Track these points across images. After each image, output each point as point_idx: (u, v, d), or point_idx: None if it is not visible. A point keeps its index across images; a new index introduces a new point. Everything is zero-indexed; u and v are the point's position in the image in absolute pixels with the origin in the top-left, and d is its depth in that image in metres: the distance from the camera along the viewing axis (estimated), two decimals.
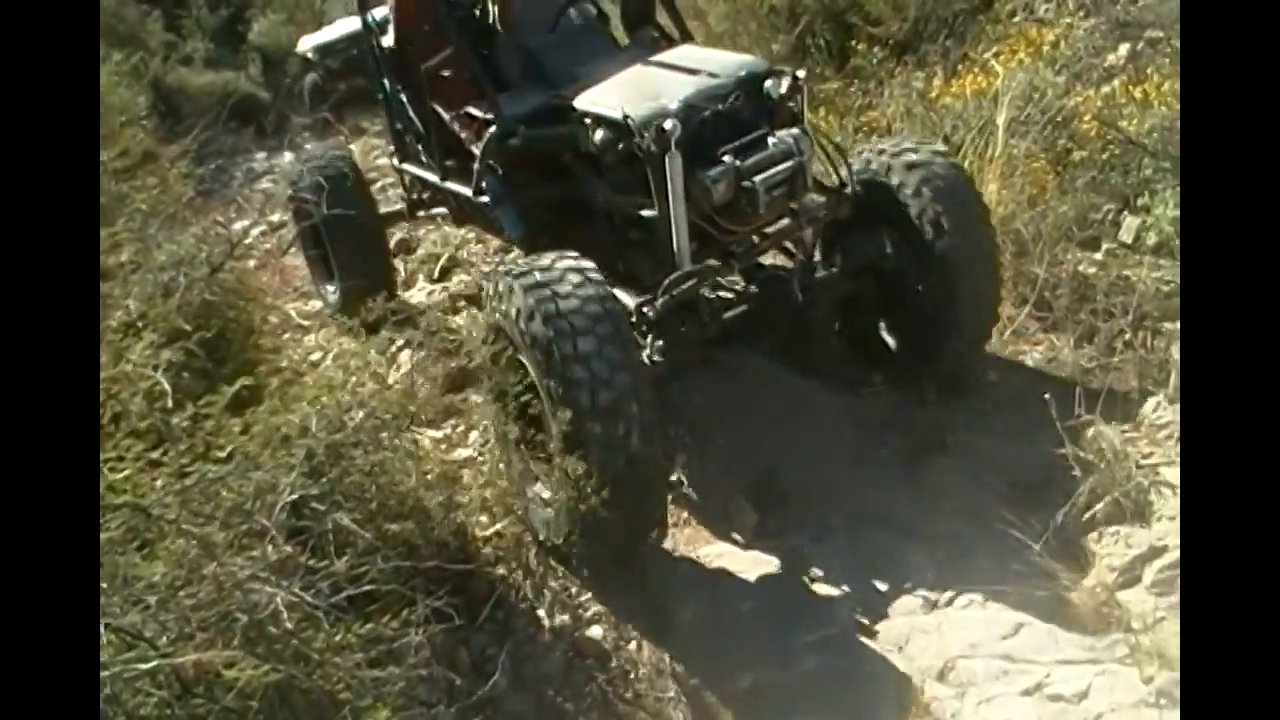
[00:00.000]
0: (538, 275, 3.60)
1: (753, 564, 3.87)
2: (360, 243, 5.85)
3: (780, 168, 3.92)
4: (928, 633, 3.47)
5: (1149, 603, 3.29)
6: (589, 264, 3.67)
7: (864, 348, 4.73)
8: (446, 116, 4.97)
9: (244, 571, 2.53)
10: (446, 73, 5.06)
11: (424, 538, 3.33)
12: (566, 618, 3.68)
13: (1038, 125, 5.39)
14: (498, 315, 3.70)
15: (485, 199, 4.71)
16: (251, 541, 2.72)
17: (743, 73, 4.11)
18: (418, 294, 6.55)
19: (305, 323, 6.33)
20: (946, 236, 4.12)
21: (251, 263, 6.70)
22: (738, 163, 3.88)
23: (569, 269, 3.62)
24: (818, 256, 4.44)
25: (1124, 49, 6.13)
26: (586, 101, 4.23)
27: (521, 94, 4.71)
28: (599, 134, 4.09)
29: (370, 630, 2.74)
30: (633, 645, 3.59)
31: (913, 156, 4.27)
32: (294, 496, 2.87)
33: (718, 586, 3.78)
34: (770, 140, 3.97)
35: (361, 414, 3.33)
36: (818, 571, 3.80)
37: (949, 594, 3.60)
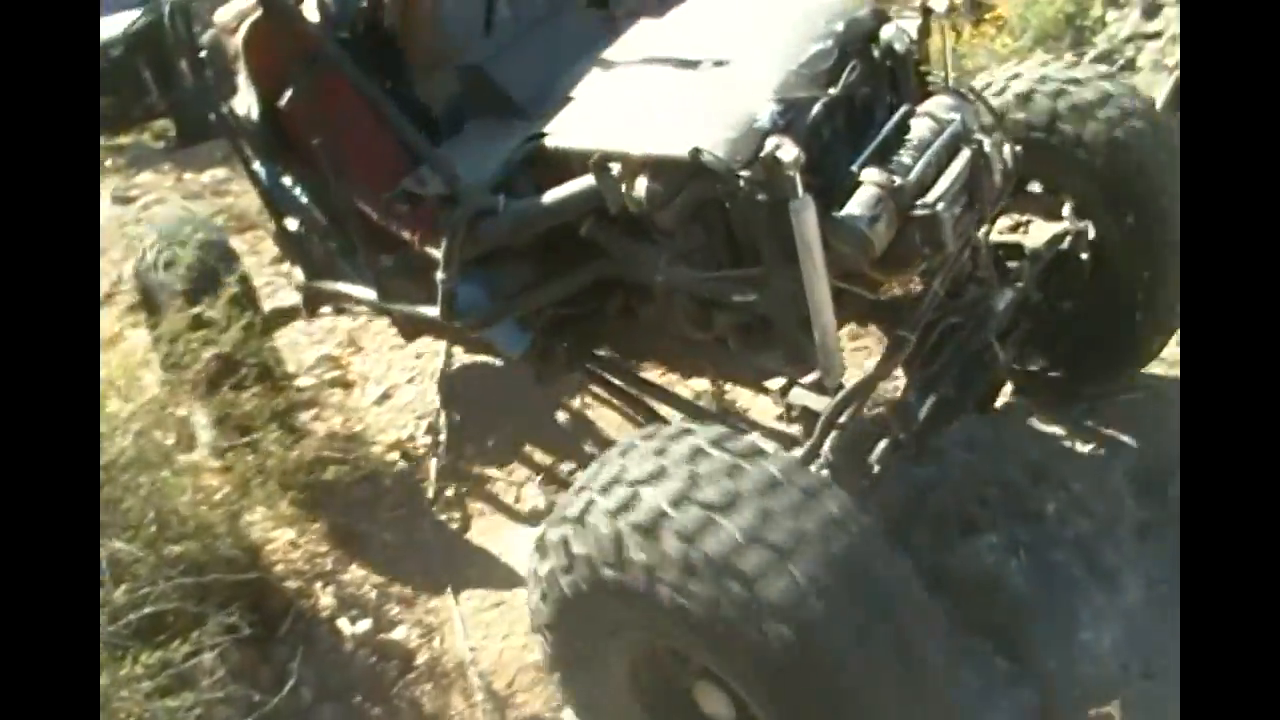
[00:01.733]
0: (675, 504, 2.07)
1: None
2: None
3: (957, 168, 2.60)
4: None
5: None
6: (761, 443, 2.24)
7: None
8: (371, 206, 3.29)
9: None
10: (354, 139, 3.37)
11: (210, 555, 3.24)
12: (368, 622, 3.64)
13: None
14: (602, 571, 2.18)
15: (466, 319, 3.18)
16: None
17: (839, 25, 2.75)
18: None
19: None
20: (1154, 210, 3.05)
21: None
22: (894, 179, 2.50)
23: (728, 466, 2.13)
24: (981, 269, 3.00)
25: None
26: (605, 138, 2.75)
27: (480, 142, 3.21)
28: (643, 184, 2.59)
29: (159, 657, 2.65)
30: (437, 642, 3.58)
31: (1083, 94, 3.07)
32: None
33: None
34: (921, 124, 2.66)
35: (128, 438, 3.19)
36: None
37: None
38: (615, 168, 2.63)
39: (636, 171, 2.62)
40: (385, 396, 4.86)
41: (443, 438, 4.51)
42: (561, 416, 4.47)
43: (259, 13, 3.39)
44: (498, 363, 4.61)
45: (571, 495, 2.30)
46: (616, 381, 3.51)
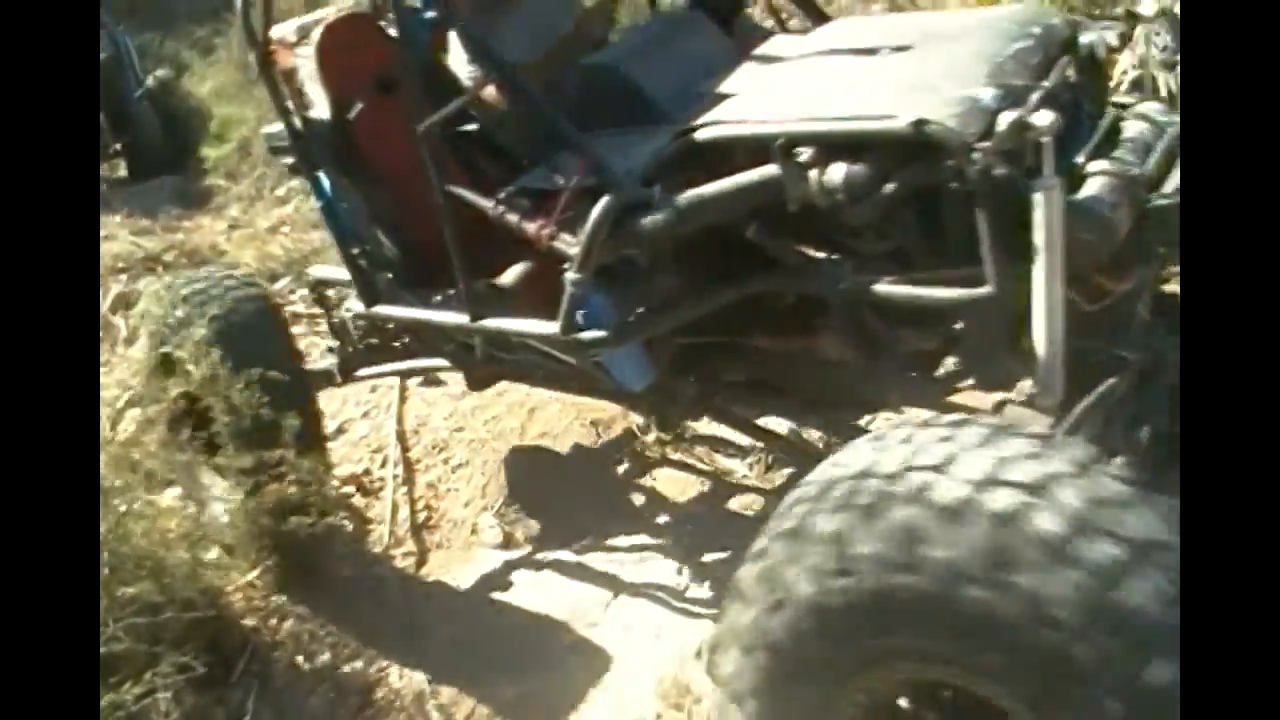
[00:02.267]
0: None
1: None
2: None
3: (1176, 174, 2.37)
4: (681, 617, 3.62)
5: None
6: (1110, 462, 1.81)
7: None
8: (486, 205, 2.92)
9: None
10: (464, 134, 3.27)
11: (166, 595, 3.22)
12: (326, 657, 3.63)
13: None
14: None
15: (590, 335, 2.79)
16: None
17: (1036, 28, 2.64)
18: None
19: None
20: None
21: None
22: (1132, 169, 2.29)
23: (1032, 449, 1.78)
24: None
25: None
26: (786, 122, 2.48)
27: (610, 146, 2.79)
28: (841, 170, 2.31)
29: (110, 700, 2.64)
30: (395, 676, 3.58)
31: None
32: None
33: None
34: (1136, 126, 2.48)
35: None
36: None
37: (698, 580, 3.76)
38: (805, 152, 2.36)
39: (833, 154, 2.34)
40: (340, 431, 4.85)
41: (398, 471, 4.51)
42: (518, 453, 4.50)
43: (330, 20, 3.51)
44: (458, 394, 4.63)
45: (795, 508, 1.94)
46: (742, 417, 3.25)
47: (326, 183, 3.49)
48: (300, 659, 3.63)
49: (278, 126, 3.57)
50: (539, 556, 3.98)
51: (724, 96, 2.78)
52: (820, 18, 3.36)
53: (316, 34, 3.43)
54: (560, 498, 4.23)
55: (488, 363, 3.42)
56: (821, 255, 2.58)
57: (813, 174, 2.35)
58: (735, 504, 3.81)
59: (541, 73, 3.15)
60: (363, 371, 4.05)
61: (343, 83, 3.42)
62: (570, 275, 2.70)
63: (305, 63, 3.43)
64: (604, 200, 2.61)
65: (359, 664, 3.62)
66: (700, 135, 2.63)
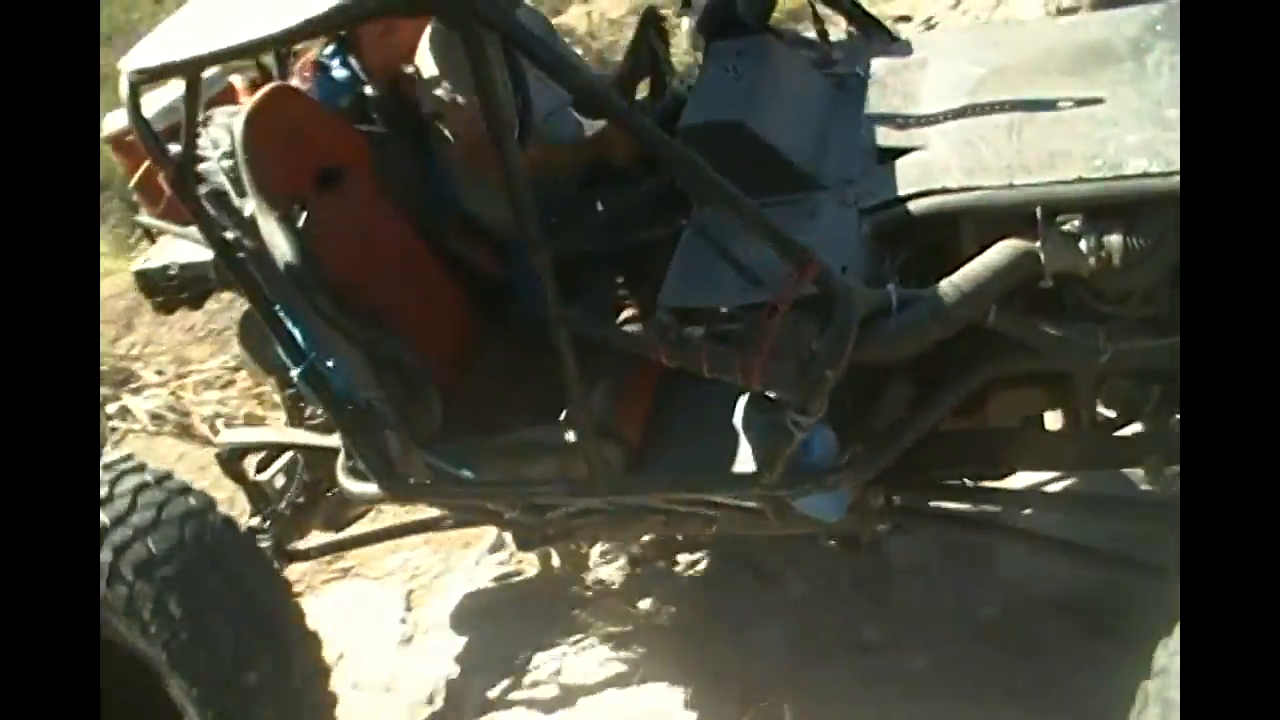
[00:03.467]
0: None
1: None
2: None
3: None
4: None
5: None
6: None
7: None
8: (642, 339, 2.39)
9: None
10: (397, 271, 2.82)
11: None
12: None
13: None
14: None
15: (820, 476, 2.37)
16: None
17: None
18: None
19: None
20: None
21: None
22: None
23: None
24: None
25: None
26: (1023, 177, 2.20)
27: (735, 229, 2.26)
28: (1115, 239, 2.09)
29: None
30: None
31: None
32: None
33: None
34: None
35: None
36: None
37: None
38: (1073, 219, 2.11)
39: (1100, 216, 2.11)
40: None
41: None
42: None
43: (253, 104, 2.67)
44: None
45: None
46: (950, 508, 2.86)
47: (298, 332, 2.61)
48: None
49: (162, 259, 2.98)
50: None
51: (888, 152, 2.44)
52: (878, 28, 3.05)
53: (237, 127, 2.63)
54: None
55: (574, 520, 2.83)
56: (1073, 326, 2.26)
57: (1083, 243, 2.11)
58: None
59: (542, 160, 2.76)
60: (309, 544, 3.42)
61: (286, 186, 2.67)
62: (793, 419, 2.21)
63: (216, 171, 2.73)
64: (840, 313, 2.12)
65: None
66: (915, 208, 2.27)
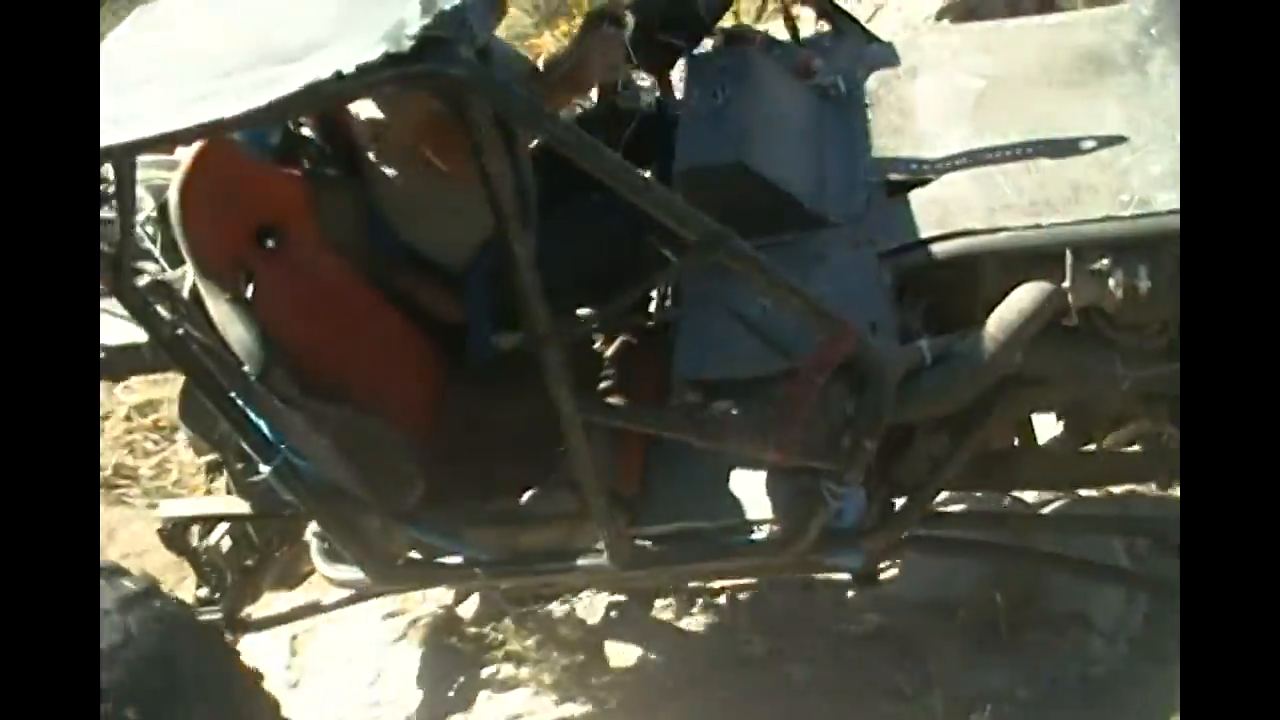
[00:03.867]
0: None
1: None
2: None
3: None
4: None
5: None
6: None
7: None
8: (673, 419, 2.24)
9: None
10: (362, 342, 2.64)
11: None
12: None
13: None
14: None
15: (858, 539, 2.37)
16: None
17: None
18: None
19: None
20: None
21: None
22: None
23: None
24: None
25: None
26: (1057, 216, 2.18)
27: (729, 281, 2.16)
28: (1142, 277, 2.10)
29: None
30: None
31: None
32: None
33: None
34: None
35: None
36: None
37: None
38: (1102, 260, 2.08)
39: (1135, 251, 2.07)
40: None
41: None
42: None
43: (188, 163, 2.37)
44: None
45: None
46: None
47: (262, 423, 2.36)
48: None
49: None
50: None
51: (897, 185, 2.35)
52: (852, 25, 2.92)
53: (172, 201, 2.35)
54: None
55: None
56: (1091, 356, 2.25)
57: (1111, 280, 2.09)
58: None
59: None
60: (261, 613, 3.21)
61: (227, 255, 2.41)
62: (831, 486, 2.15)
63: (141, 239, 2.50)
64: (876, 381, 2.07)
65: None
66: (940, 250, 2.19)
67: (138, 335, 2.41)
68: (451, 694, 3.45)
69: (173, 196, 2.34)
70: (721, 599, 3.44)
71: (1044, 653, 2.97)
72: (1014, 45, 2.67)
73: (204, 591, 3.11)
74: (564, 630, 3.52)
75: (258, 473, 2.43)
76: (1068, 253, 2.09)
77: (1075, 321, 2.14)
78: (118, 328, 2.55)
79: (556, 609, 3.58)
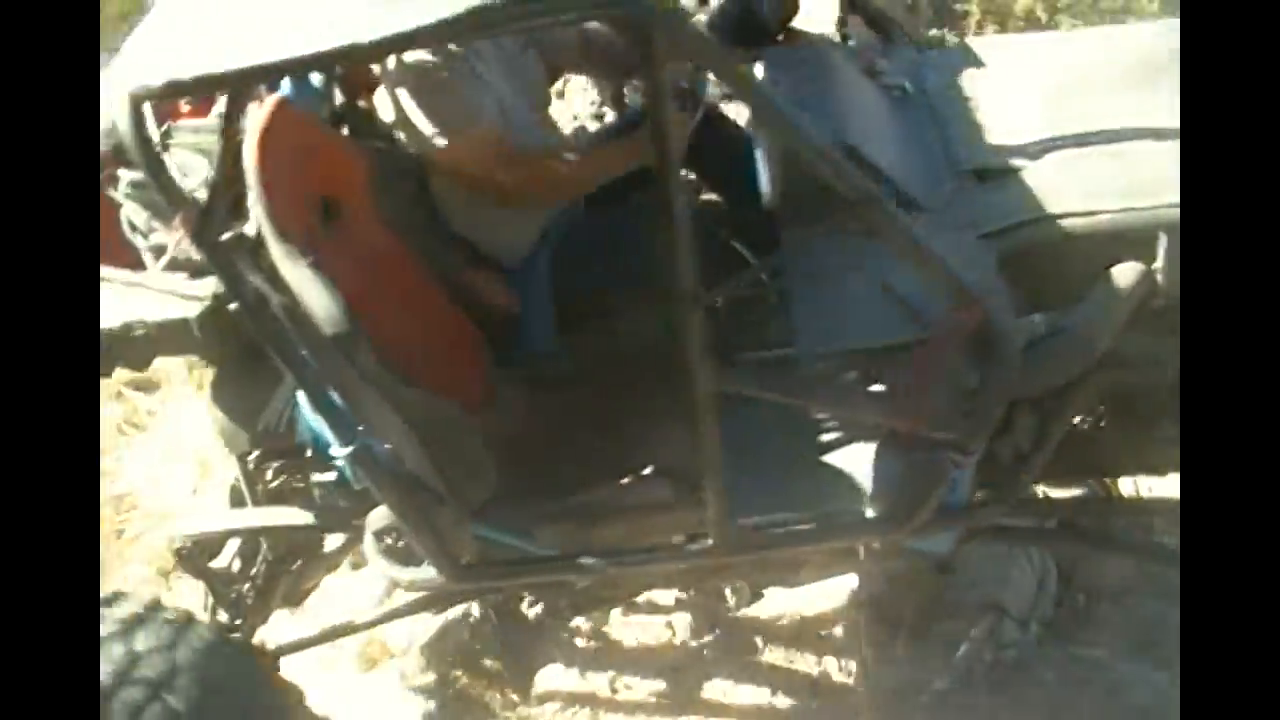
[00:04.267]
0: None
1: None
2: None
3: None
4: None
5: None
6: None
7: None
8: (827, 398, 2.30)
9: None
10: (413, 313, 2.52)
11: None
12: None
13: None
14: None
15: (961, 517, 2.41)
16: None
17: None
18: None
19: None
20: None
21: None
22: None
23: None
24: None
25: None
26: (1149, 198, 2.21)
27: (843, 243, 2.28)
28: None
29: None
30: None
31: None
32: None
33: None
34: None
35: None
36: None
37: None
38: (1170, 240, 2.05)
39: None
40: None
41: None
42: None
43: (264, 114, 2.21)
44: None
45: None
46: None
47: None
48: None
49: (120, 316, 2.38)
50: None
51: (984, 173, 2.36)
52: (902, 35, 2.90)
53: (248, 155, 2.14)
54: None
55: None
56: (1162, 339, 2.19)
57: None
58: None
59: None
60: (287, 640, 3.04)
61: (299, 224, 2.22)
62: (955, 456, 2.13)
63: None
64: (1005, 349, 2.05)
65: None
66: (1040, 232, 2.22)
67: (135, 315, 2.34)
68: None
69: (249, 157, 2.14)
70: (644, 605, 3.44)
71: (957, 642, 3.04)
72: (1074, 50, 2.73)
73: (224, 615, 2.90)
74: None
75: (320, 467, 2.36)
76: (1161, 235, 2.09)
77: (1164, 303, 2.10)
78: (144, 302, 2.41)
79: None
